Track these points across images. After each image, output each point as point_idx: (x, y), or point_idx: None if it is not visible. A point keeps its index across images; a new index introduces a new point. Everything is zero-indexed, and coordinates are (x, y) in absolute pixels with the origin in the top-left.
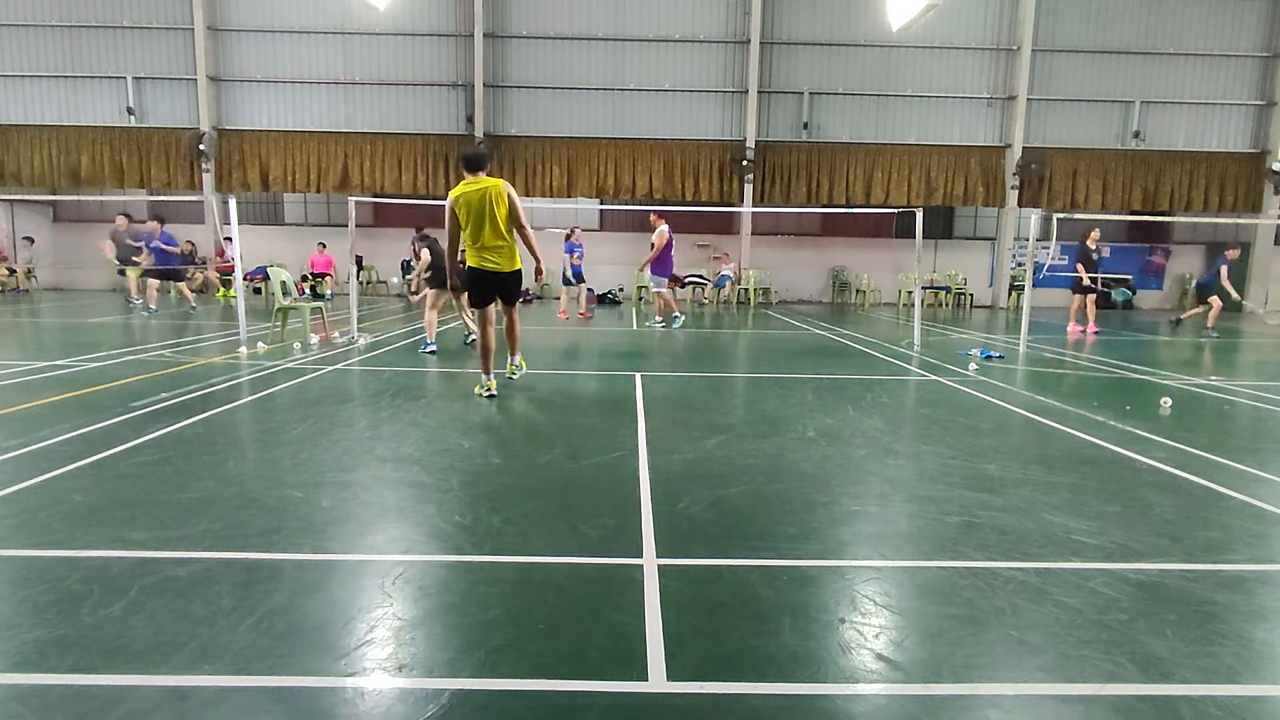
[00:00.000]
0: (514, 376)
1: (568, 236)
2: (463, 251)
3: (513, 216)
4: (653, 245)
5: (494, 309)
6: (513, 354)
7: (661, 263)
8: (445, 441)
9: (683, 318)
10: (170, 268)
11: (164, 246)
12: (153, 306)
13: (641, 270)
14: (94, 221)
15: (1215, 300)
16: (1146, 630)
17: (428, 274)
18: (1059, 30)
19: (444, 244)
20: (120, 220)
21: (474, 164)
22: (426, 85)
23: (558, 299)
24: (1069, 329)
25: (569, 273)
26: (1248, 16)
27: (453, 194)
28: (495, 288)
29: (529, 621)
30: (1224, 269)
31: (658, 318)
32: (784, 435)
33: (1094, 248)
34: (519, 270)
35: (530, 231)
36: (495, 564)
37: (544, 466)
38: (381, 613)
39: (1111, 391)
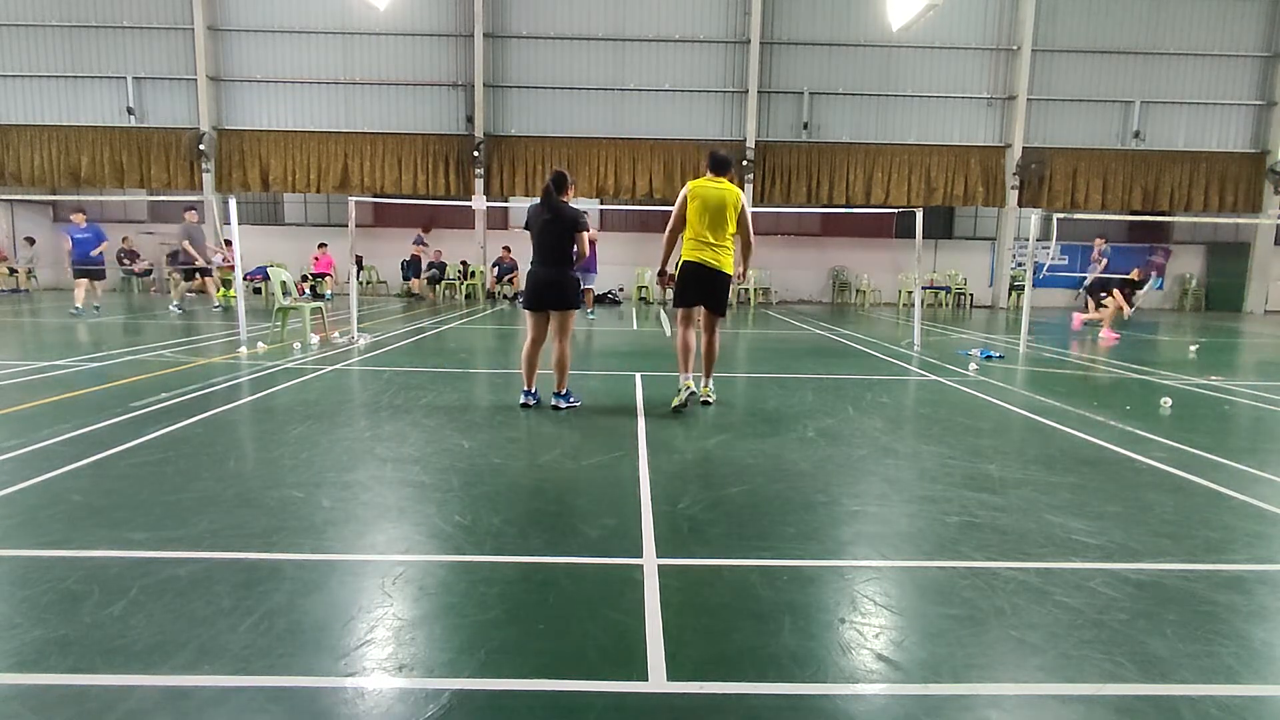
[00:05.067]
0: (709, 400)
1: None
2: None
3: (742, 226)
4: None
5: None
6: (706, 377)
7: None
8: (445, 441)
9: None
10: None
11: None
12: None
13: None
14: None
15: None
16: (1146, 630)
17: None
18: (1059, 30)
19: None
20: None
21: (722, 166)
22: (426, 85)
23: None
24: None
25: None
26: (1248, 16)
27: (692, 184)
28: (706, 286)
29: (529, 621)
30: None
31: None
32: (784, 435)
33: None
34: (730, 275)
35: (754, 244)
36: (495, 564)
37: (544, 466)
38: (381, 613)
39: (1111, 391)
